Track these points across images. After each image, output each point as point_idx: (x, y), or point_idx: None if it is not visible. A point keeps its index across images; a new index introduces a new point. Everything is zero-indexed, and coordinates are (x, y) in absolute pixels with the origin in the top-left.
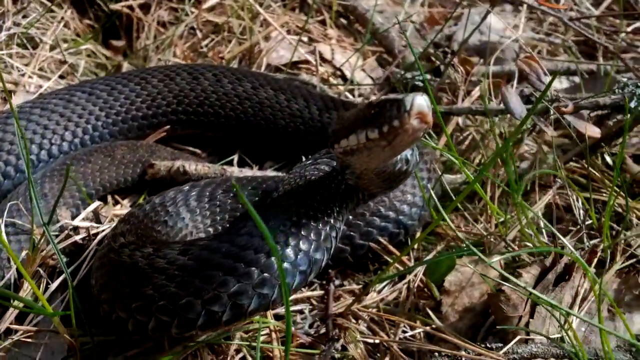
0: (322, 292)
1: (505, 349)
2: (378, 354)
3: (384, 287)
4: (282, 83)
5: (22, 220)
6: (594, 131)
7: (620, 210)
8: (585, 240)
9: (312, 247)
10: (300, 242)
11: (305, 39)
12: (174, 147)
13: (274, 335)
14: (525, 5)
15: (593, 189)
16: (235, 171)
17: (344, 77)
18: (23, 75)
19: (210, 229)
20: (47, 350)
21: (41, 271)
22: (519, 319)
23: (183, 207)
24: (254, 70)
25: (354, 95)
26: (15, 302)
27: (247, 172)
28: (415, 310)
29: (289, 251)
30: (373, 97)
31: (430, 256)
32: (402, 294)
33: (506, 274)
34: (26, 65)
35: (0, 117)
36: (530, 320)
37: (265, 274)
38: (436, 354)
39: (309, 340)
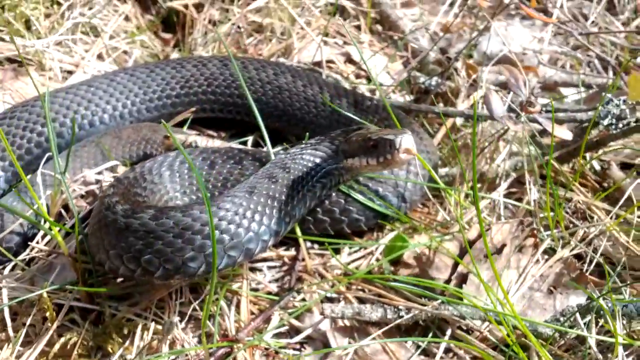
0: (295, 252)
1: (436, 303)
2: (333, 302)
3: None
4: (300, 71)
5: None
6: (564, 133)
7: (584, 208)
8: (538, 227)
9: (274, 221)
10: (264, 218)
11: (340, 42)
12: (197, 129)
13: (245, 282)
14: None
15: (571, 190)
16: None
17: (368, 78)
18: (83, 59)
19: (185, 197)
20: (59, 273)
21: (63, 211)
22: (448, 282)
23: (158, 175)
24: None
25: (373, 94)
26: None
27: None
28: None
29: (254, 225)
30: (372, 133)
31: (389, 237)
32: (363, 264)
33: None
34: (87, 51)
35: (51, 93)
36: (464, 285)
37: (235, 240)
38: (385, 305)
39: (276, 290)
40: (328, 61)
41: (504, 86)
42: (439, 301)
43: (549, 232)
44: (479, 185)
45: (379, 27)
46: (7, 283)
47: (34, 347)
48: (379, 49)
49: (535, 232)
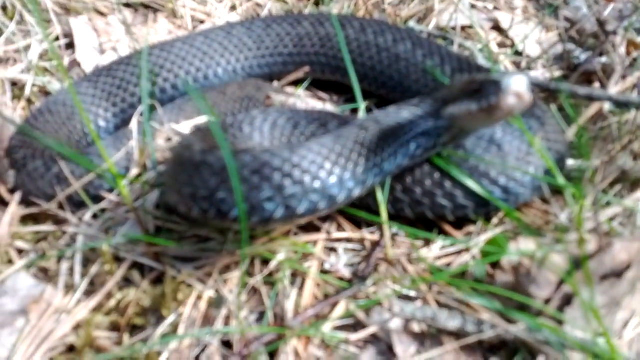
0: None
1: (522, 327)
2: (410, 301)
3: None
4: (423, 40)
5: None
6: None
7: None
8: None
9: (360, 169)
10: (349, 164)
11: (490, 6)
12: (311, 91)
13: (315, 263)
14: None
15: None
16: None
17: (514, 48)
18: (216, 9)
19: None
20: (133, 226)
21: (148, 162)
22: (548, 302)
23: (238, 130)
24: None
25: (518, 67)
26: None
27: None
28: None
29: (338, 169)
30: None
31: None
32: (455, 262)
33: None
34: (220, 1)
35: (169, 43)
36: (567, 308)
37: (316, 183)
38: (464, 315)
39: (348, 276)
40: (469, 27)
41: None
42: (524, 325)
43: None
44: (618, 187)
45: None
46: (84, 230)
47: (92, 298)
48: (533, 17)
49: None
